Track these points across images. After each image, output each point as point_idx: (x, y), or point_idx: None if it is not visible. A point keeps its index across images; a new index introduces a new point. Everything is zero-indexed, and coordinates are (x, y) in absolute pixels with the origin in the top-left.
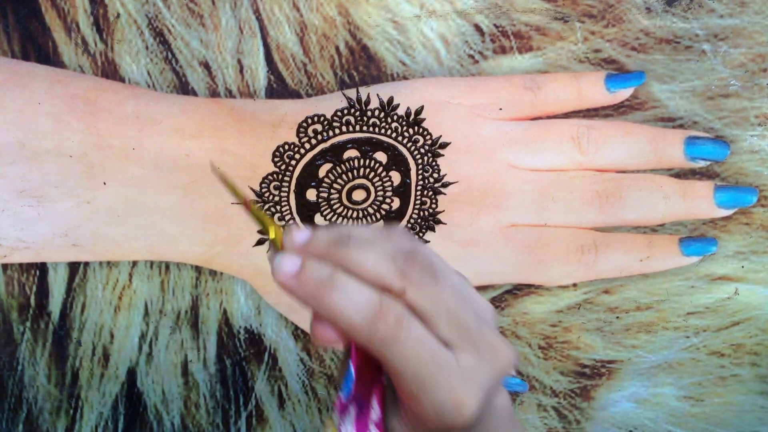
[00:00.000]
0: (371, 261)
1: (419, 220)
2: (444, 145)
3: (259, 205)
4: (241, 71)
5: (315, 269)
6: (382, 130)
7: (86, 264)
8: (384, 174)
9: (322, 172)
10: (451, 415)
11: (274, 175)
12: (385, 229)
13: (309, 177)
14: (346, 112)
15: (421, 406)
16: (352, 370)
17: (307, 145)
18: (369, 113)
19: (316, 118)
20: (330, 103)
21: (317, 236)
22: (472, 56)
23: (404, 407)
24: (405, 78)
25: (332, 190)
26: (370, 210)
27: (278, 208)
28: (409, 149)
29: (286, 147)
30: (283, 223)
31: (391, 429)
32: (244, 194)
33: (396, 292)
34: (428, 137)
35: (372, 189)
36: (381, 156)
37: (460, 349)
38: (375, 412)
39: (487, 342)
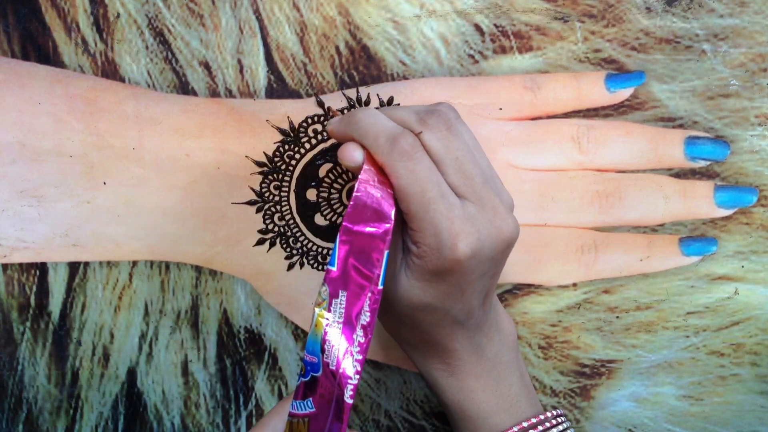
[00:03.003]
0: (400, 112)
1: None
2: None
3: (259, 204)
4: (241, 71)
5: (353, 111)
6: None
7: (86, 264)
8: None
9: (322, 172)
10: (447, 245)
11: (274, 175)
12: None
13: (309, 177)
14: (346, 112)
15: (422, 230)
16: (337, 247)
17: (307, 145)
18: None
19: (316, 118)
20: (330, 103)
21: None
22: (472, 56)
23: (409, 246)
24: (405, 78)
25: (332, 190)
26: None
27: (278, 208)
28: None
29: (286, 147)
30: (283, 222)
31: (397, 284)
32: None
33: (414, 132)
34: None
35: None
36: None
37: (463, 197)
38: (365, 316)
39: (489, 200)
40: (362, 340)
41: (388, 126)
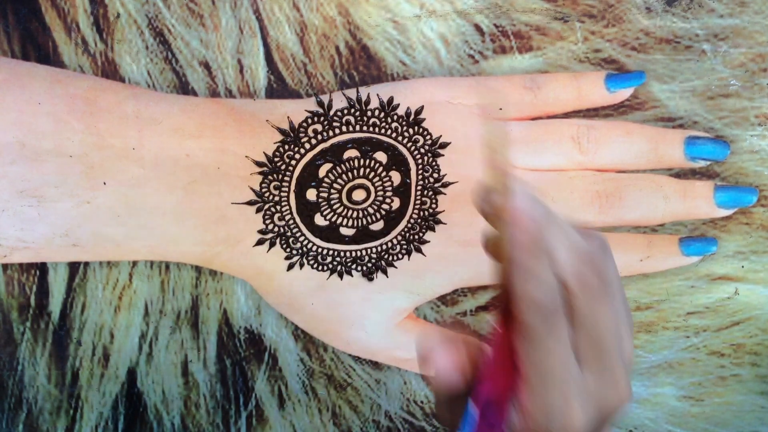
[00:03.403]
0: (564, 250)
1: (419, 220)
2: (444, 145)
3: (259, 204)
4: (241, 71)
5: (536, 228)
6: (382, 130)
7: (86, 264)
8: (384, 174)
9: (322, 172)
10: (556, 422)
11: (274, 175)
12: (585, 230)
13: (309, 177)
14: (346, 112)
15: (533, 403)
16: (472, 412)
17: (307, 145)
18: (369, 113)
19: (316, 118)
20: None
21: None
22: (472, 56)
23: (518, 405)
24: (405, 78)
25: (332, 190)
26: (370, 210)
27: (278, 208)
28: (409, 149)
29: (286, 147)
30: (283, 222)
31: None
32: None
33: (567, 288)
34: (428, 137)
35: (372, 189)
36: (381, 156)
37: (586, 367)
38: None
39: (613, 375)
40: None
41: (544, 298)
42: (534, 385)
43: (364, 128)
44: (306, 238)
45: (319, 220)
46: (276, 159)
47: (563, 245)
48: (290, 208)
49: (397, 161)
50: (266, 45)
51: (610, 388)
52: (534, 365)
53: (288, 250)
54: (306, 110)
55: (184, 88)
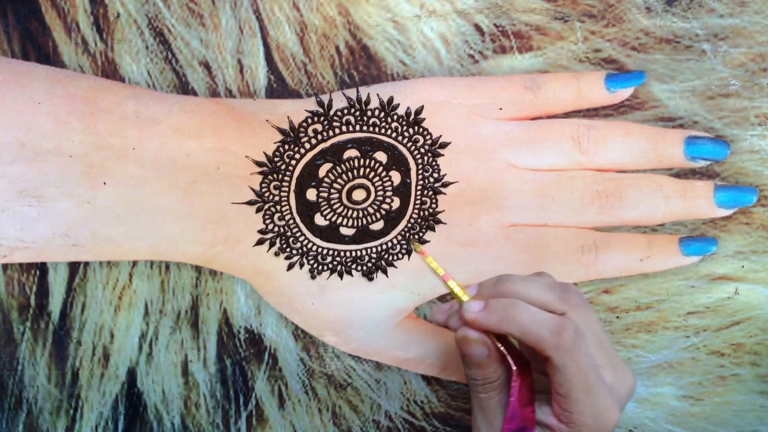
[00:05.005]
0: (536, 291)
1: (419, 220)
2: (444, 145)
3: (259, 204)
4: (241, 71)
5: (498, 302)
6: (382, 130)
7: (86, 264)
8: (384, 174)
9: (322, 172)
10: (603, 422)
11: (274, 175)
12: (534, 273)
13: (309, 177)
14: (346, 111)
15: (583, 412)
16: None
17: (307, 145)
18: (369, 113)
19: (316, 118)
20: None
21: (484, 283)
22: (472, 56)
23: (555, 426)
24: (405, 78)
25: (332, 190)
26: (370, 210)
27: (278, 208)
28: (409, 149)
29: (286, 147)
30: (283, 222)
31: None
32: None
33: (558, 314)
34: (428, 137)
35: (372, 189)
36: (381, 156)
37: (602, 367)
38: None
39: (620, 365)
40: None
41: (545, 320)
42: (578, 399)
43: (364, 128)
44: (306, 238)
45: (319, 220)
46: (276, 159)
47: (532, 288)
48: (290, 208)
49: (397, 161)
50: (266, 45)
51: (623, 380)
52: (572, 381)
53: (288, 250)
54: (306, 110)
55: (184, 88)
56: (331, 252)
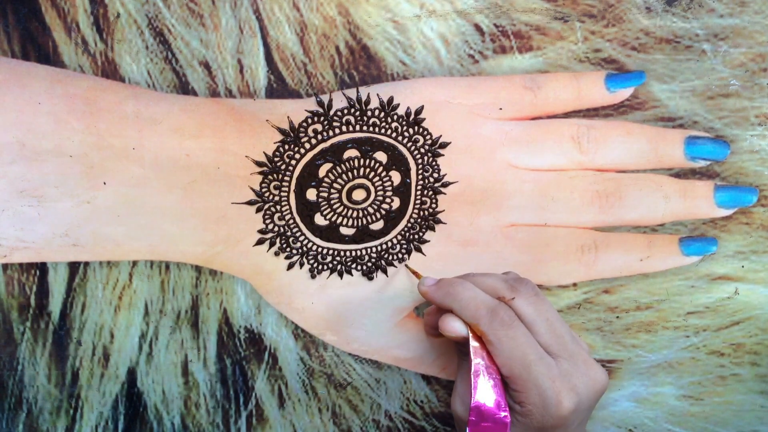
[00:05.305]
0: (489, 280)
1: (419, 220)
2: (444, 145)
3: (259, 204)
4: (241, 71)
5: (448, 280)
6: (382, 130)
7: (86, 264)
8: (384, 174)
9: (322, 171)
10: (552, 403)
11: (274, 175)
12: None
13: (309, 177)
14: (346, 112)
15: (527, 391)
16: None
17: (307, 145)
18: (369, 113)
19: (316, 118)
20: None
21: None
22: (472, 56)
23: (512, 405)
24: (405, 78)
25: (332, 190)
26: (370, 210)
27: (278, 207)
28: (409, 149)
29: (286, 147)
30: (283, 222)
31: None
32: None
33: (506, 300)
34: (428, 137)
35: (372, 189)
36: (381, 156)
37: (557, 356)
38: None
39: (581, 357)
40: None
41: (485, 299)
42: (519, 376)
43: (364, 128)
44: (306, 238)
45: (319, 220)
46: (276, 159)
47: (487, 278)
48: (290, 208)
49: (397, 161)
50: (266, 45)
51: (585, 372)
52: (510, 358)
53: (288, 249)
54: (306, 110)
55: (184, 88)
56: (331, 252)
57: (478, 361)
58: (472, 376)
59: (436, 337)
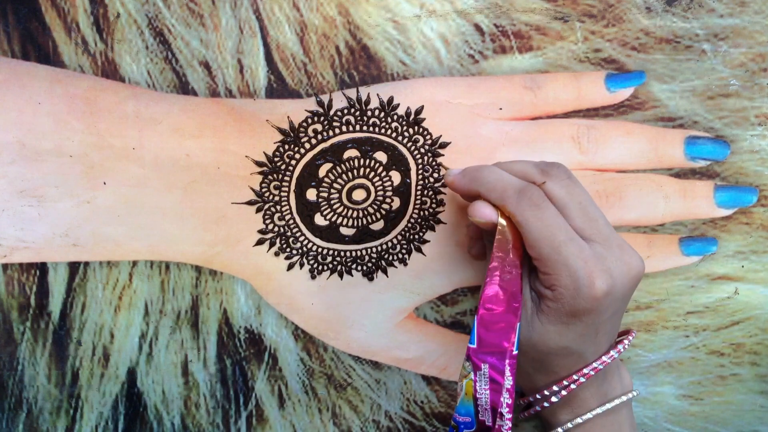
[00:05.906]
0: (519, 165)
1: (419, 220)
2: (444, 145)
3: (259, 204)
4: (241, 71)
5: (474, 166)
6: (382, 130)
7: (86, 264)
8: (384, 174)
9: (322, 171)
10: (584, 284)
11: (274, 175)
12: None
13: (309, 177)
14: (346, 111)
15: (557, 273)
16: (475, 325)
17: (307, 145)
18: (369, 113)
19: (316, 118)
20: (330, 103)
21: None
22: (472, 56)
23: (542, 291)
24: (405, 78)
25: (332, 190)
26: (371, 210)
27: (278, 207)
28: (409, 149)
29: (286, 147)
30: (283, 222)
31: (531, 331)
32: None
33: (538, 184)
34: (428, 137)
35: (372, 189)
36: (381, 156)
37: (590, 239)
38: (508, 381)
39: (615, 241)
40: (509, 401)
41: (513, 181)
42: (549, 257)
43: (364, 128)
44: (306, 238)
45: (319, 220)
46: (276, 159)
47: (516, 163)
48: (290, 208)
49: (397, 161)
50: (266, 45)
51: (620, 256)
52: (538, 239)
53: (288, 250)
54: (306, 110)
55: (184, 88)
56: (331, 252)
57: (499, 254)
58: (488, 271)
59: (478, 259)
